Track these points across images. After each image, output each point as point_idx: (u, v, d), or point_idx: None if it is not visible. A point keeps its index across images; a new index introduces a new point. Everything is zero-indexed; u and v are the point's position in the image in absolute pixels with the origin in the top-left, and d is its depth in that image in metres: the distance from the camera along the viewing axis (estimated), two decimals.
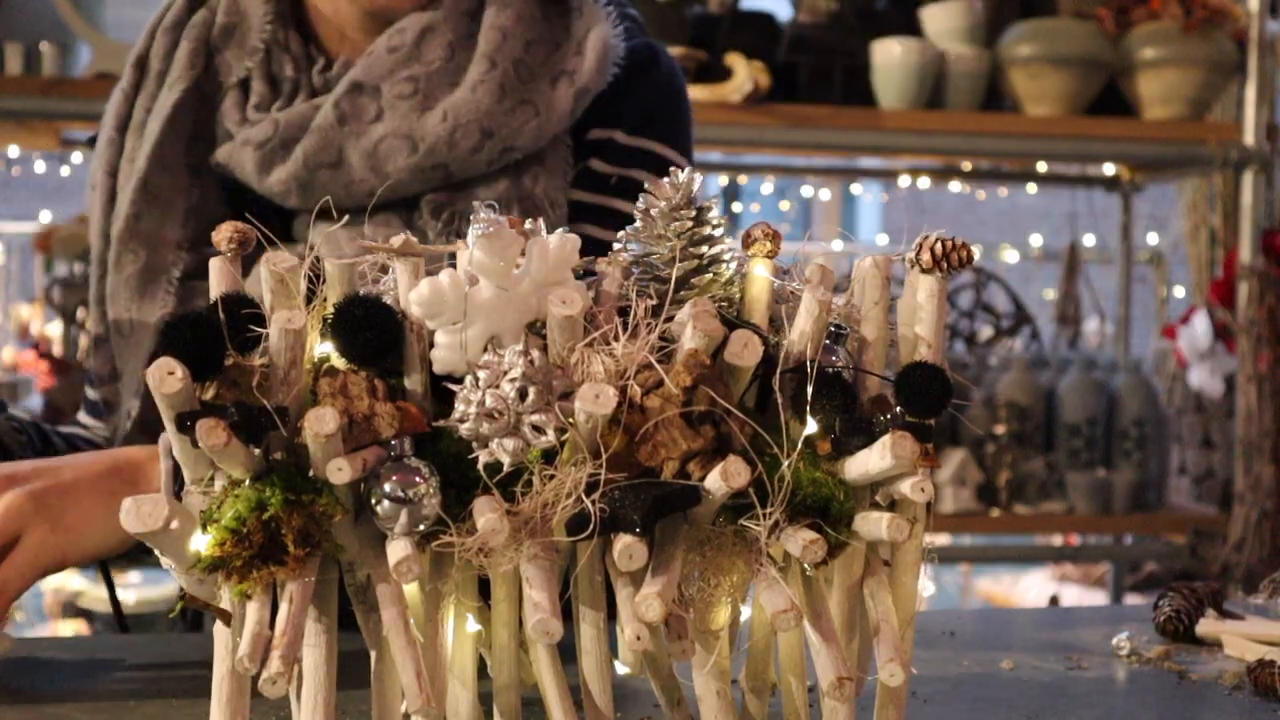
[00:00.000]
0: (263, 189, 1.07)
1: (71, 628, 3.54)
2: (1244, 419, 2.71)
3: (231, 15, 1.13)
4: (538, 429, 0.61)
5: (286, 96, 1.11)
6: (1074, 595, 4.12)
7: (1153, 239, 3.80)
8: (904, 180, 3.46)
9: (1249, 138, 2.70)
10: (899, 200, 6.47)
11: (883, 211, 8.33)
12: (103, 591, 3.76)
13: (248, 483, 0.61)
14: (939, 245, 0.67)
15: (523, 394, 0.60)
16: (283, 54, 1.12)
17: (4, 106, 2.41)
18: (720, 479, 0.60)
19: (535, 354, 0.61)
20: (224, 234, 0.68)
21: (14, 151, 3.20)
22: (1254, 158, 2.71)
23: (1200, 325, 2.88)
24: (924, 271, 0.68)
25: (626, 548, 0.60)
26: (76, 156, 3.50)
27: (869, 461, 0.63)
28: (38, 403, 2.65)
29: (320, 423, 0.59)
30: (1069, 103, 2.65)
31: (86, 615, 3.54)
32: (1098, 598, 3.95)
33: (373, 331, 0.63)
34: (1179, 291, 3.83)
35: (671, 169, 0.70)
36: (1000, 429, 2.87)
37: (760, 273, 0.68)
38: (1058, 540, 3.47)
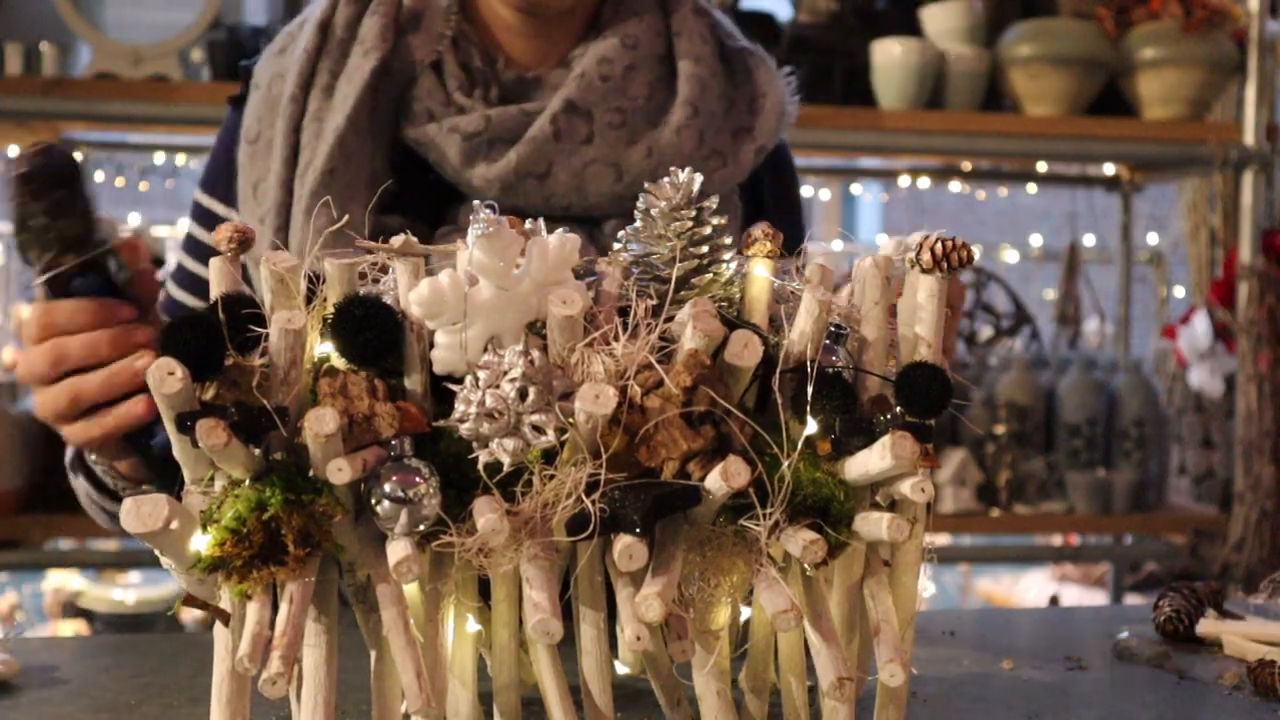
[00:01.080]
0: (461, 177, 1.11)
1: (71, 628, 3.54)
2: (1244, 419, 2.71)
3: (418, 1, 1.16)
4: (538, 429, 0.61)
5: (482, 86, 1.15)
6: (1074, 595, 4.12)
7: (1153, 239, 3.80)
8: (904, 180, 3.46)
9: (1249, 138, 2.70)
10: (899, 200, 6.47)
11: (883, 211, 8.33)
12: (103, 591, 3.74)
13: (248, 483, 0.61)
14: (939, 245, 0.67)
15: (523, 394, 0.60)
16: (469, 45, 1.16)
17: (4, 106, 2.41)
18: (720, 479, 0.60)
19: (535, 354, 0.61)
20: (224, 234, 0.68)
21: (14, 151, 3.20)
22: (1254, 158, 2.71)
23: (1200, 325, 2.87)
24: (924, 271, 0.68)
25: (626, 548, 0.60)
26: (77, 156, 3.50)
27: (869, 461, 0.63)
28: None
29: (320, 423, 0.59)
30: (1069, 103, 2.65)
31: (86, 615, 3.54)
32: (1098, 598, 3.95)
33: (373, 332, 0.63)
34: (1179, 291, 3.83)
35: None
36: (1000, 429, 2.87)
37: (760, 273, 0.68)
38: (1058, 540, 3.47)
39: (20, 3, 2.51)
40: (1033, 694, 0.85)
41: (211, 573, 0.61)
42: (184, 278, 1.22)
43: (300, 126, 1.13)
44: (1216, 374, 2.88)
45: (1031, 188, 3.57)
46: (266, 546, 0.61)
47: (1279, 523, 2.67)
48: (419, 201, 1.12)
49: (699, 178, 0.71)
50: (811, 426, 0.65)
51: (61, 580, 3.68)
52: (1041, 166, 3.34)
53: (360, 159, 1.10)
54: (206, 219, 1.22)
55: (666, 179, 0.70)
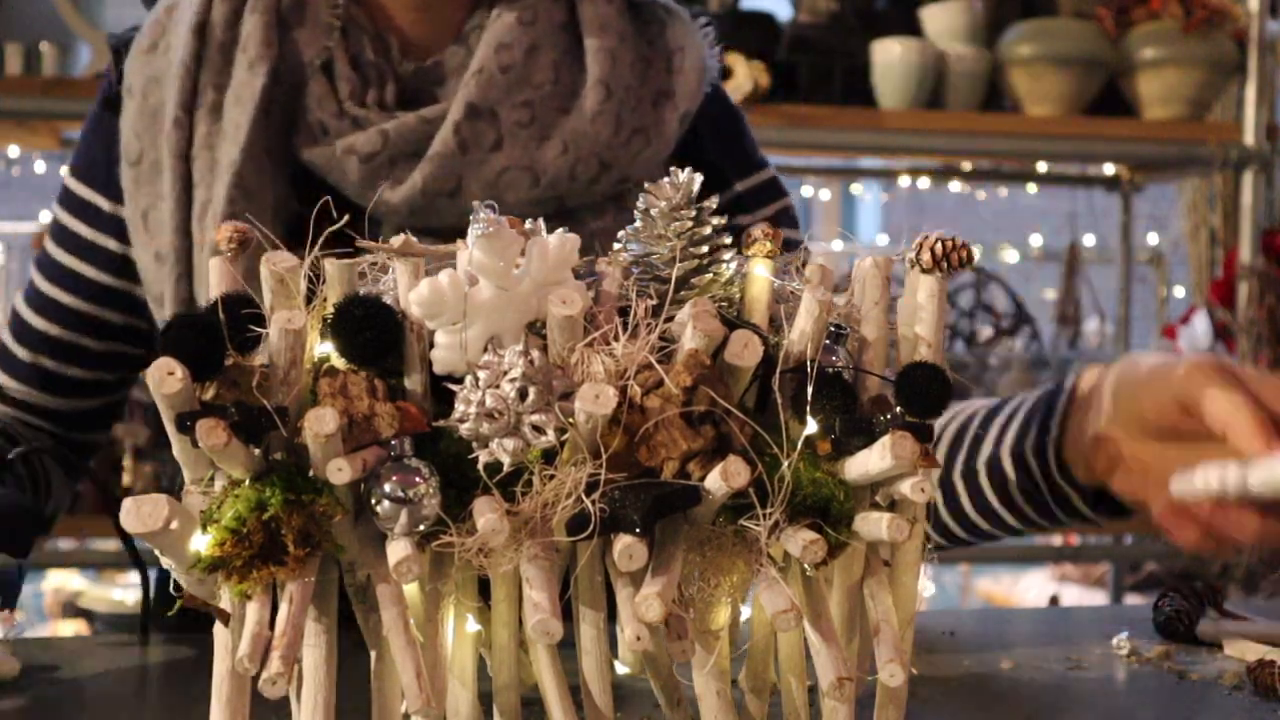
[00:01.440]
0: (365, 201, 0.98)
1: (71, 628, 3.54)
2: None
3: None
4: (538, 429, 0.61)
5: (377, 85, 1.04)
6: (1074, 595, 4.12)
7: (1153, 239, 3.80)
8: (904, 180, 3.46)
9: (1249, 138, 2.71)
10: (899, 200, 6.47)
11: (883, 211, 8.33)
12: (103, 591, 3.75)
13: (247, 483, 0.61)
14: (939, 245, 0.67)
15: (523, 394, 0.60)
16: (360, 34, 1.05)
17: (4, 106, 2.40)
18: (720, 479, 0.60)
19: (535, 354, 0.61)
20: (224, 234, 0.68)
21: (14, 151, 3.20)
22: (1254, 158, 2.71)
23: (1200, 325, 2.87)
24: (924, 271, 0.68)
25: (626, 548, 0.60)
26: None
27: (869, 461, 0.63)
28: None
29: (320, 423, 0.59)
30: (1069, 103, 2.65)
31: (86, 615, 3.55)
32: (1098, 598, 3.95)
33: (373, 331, 0.63)
34: (1179, 291, 3.83)
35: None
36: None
37: (760, 273, 0.68)
38: (1058, 540, 3.47)
39: (20, 3, 2.51)
40: (1033, 694, 0.85)
41: (211, 573, 0.61)
42: (52, 270, 1.13)
43: (189, 155, 1.02)
44: None
45: (1031, 188, 3.58)
46: (266, 546, 0.60)
47: None
48: (327, 222, 1.03)
49: (699, 178, 0.70)
50: (811, 426, 0.65)
51: (61, 580, 3.68)
52: (1041, 166, 3.34)
53: (262, 190, 1.00)
54: (85, 211, 1.12)
55: (666, 180, 0.70)
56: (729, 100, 1.19)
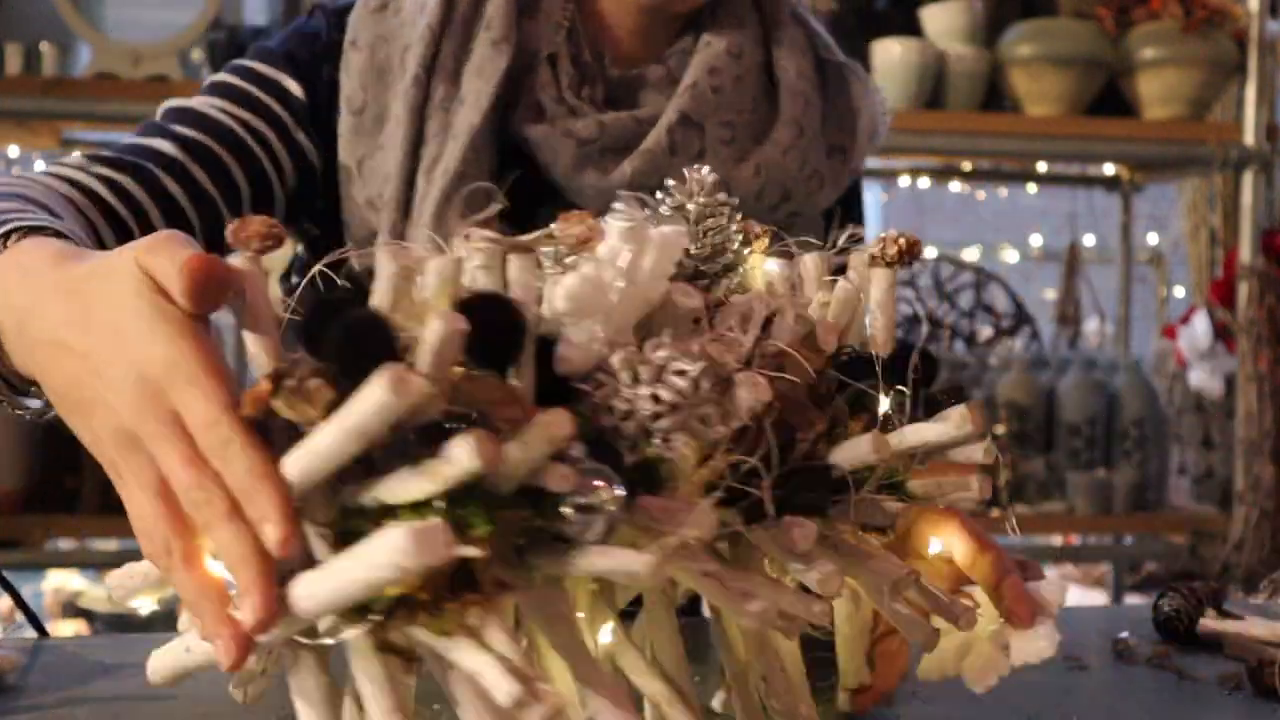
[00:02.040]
0: (571, 184, 1.08)
1: (71, 628, 3.54)
2: (1244, 419, 2.71)
3: None
4: (703, 420, 0.59)
5: (590, 84, 1.12)
6: (1074, 595, 4.12)
7: (1153, 239, 3.80)
8: (904, 180, 3.46)
9: (1249, 138, 2.70)
10: (899, 200, 6.47)
11: (883, 211, 8.33)
12: (103, 591, 3.73)
13: (442, 504, 0.52)
14: (902, 240, 0.71)
15: (696, 385, 0.59)
16: (580, 38, 1.13)
17: (4, 106, 2.40)
18: (871, 448, 0.63)
19: (696, 345, 0.59)
20: (255, 228, 0.57)
21: (14, 151, 3.20)
22: (1254, 158, 2.70)
23: (1200, 325, 2.88)
24: (886, 265, 0.71)
25: (804, 529, 0.60)
26: (77, 156, 3.49)
27: (929, 431, 0.66)
28: (37, 403, 2.65)
29: (553, 427, 0.53)
30: (1069, 103, 2.65)
31: (86, 615, 3.54)
32: (1098, 598, 3.95)
33: (507, 332, 0.57)
34: (1179, 291, 3.83)
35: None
36: (1000, 429, 2.87)
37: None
38: (1058, 540, 3.47)
39: (20, 3, 2.51)
40: (1033, 694, 0.85)
41: (389, 616, 0.52)
42: (221, 88, 1.10)
43: (425, 112, 1.08)
44: (1216, 374, 2.88)
45: (1031, 188, 3.58)
46: (460, 576, 0.53)
47: (1279, 523, 2.67)
48: (512, 198, 1.01)
49: (713, 177, 0.71)
50: (885, 403, 0.68)
51: (61, 580, 3.68)
52: (1041, 166, 3.34)
53: (486, 159, 1.07)
54: (263, 82, 1.10)
55: (693, 174, 0.70)
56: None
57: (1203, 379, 2.89)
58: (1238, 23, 2.70)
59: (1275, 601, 1.02)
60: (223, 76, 1.12)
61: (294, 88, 1.12)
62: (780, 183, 1.12)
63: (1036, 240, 3.79)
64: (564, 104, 1.10)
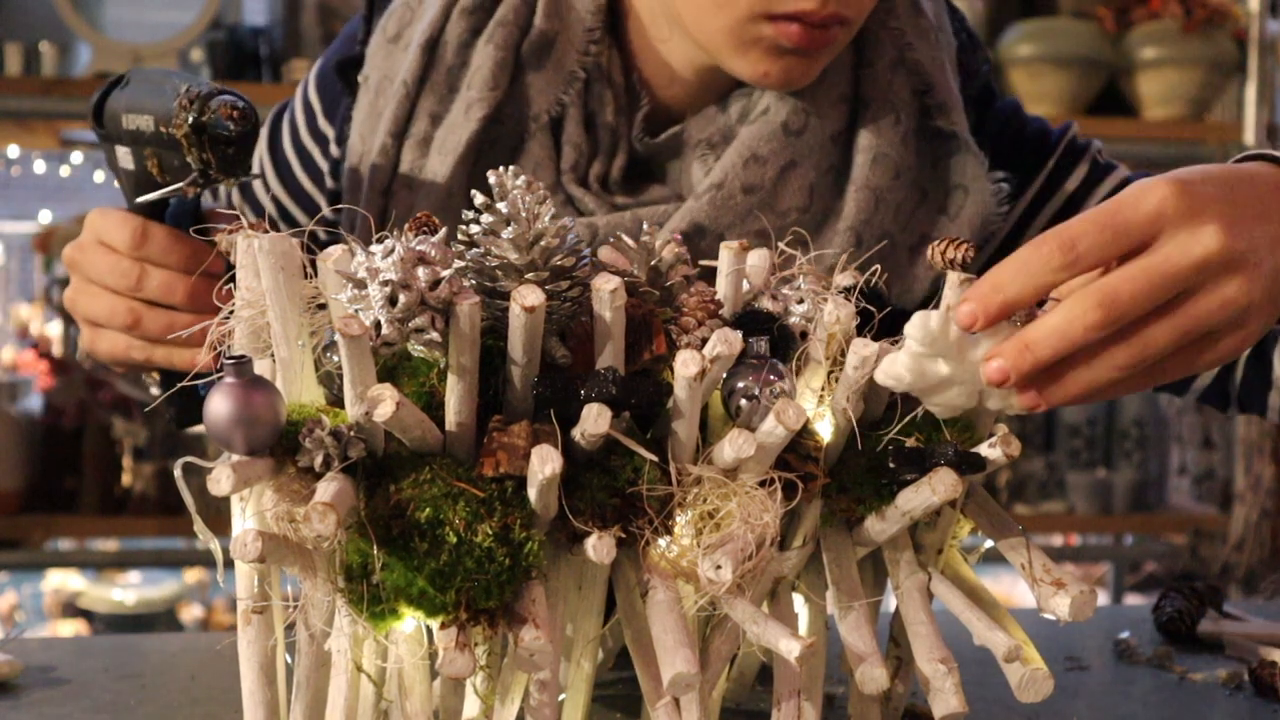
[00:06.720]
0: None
1: (71, 628, 3.54)
2: (1244, 419, 2.71)
3: (552, 20, 0.92)
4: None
5: (605, 156, 0.92)
6: None
7: None
8: None
9: (1249, 138, 2.70)
10: None
11: None
12: (103, 591, 3.73)
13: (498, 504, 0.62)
14: (964, 246, 0.68)
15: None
16: (604, 87, 0.92)
17: (4, 106, 2.41)
18: (1001, 446, 0.71)
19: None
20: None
21: (14, 151, 3.20)
22: None
23: None
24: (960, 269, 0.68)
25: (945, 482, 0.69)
26: (76, 156, 3.49)
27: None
28: (37, 403, 2.65)
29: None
30: (1069, 103, 2.65)
31: (86, 615, 3.55)
32: (1098, 598, 3.94)
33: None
34: None
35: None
36: (1001, 429, 2.87)
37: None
38: (1058, 540, 3.47)
39: (20, 3, 2.51)
40: None
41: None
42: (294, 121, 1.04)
43: (390, 189, 0.93)
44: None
45: None
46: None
47: (1279, 523, 2.67)
48: None
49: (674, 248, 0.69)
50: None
51: (61, 580, 3.68)
52: None
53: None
54: (314, 128, 1.04)
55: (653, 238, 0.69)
56: None
57: (1202, 379, 2.89)
58: (1238, 23, 2.70)
59: (1275, 601, 1.02)
60: (294, 116, 1.06)
61: (328, 130, 1.03)
62: None
63: None
64: (560, 192, 0.92)
